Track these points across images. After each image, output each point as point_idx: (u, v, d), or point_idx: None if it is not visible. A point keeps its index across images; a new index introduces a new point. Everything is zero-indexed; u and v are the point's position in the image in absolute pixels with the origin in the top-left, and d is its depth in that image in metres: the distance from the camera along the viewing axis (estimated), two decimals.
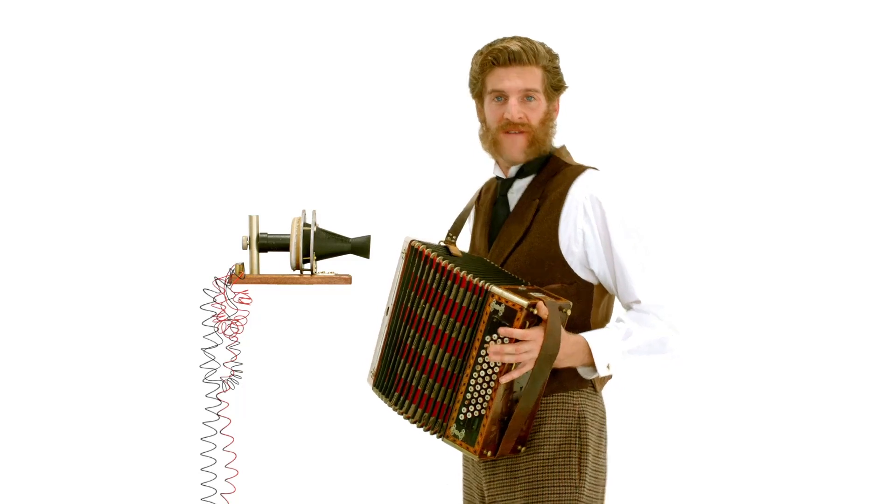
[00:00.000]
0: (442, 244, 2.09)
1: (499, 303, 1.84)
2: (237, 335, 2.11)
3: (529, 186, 2.07)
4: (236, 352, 2.12)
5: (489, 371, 1.86)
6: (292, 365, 3.91)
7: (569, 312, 1.89)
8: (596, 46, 3.94)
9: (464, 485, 2.20)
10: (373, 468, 3.88)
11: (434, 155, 3.95)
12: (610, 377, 2.08)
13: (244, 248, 2.09)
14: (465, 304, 1.90)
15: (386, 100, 3.98)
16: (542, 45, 2.05)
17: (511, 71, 2.01)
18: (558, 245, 1.98)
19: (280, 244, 2.10)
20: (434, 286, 1.95)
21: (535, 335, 1.83)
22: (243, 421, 2.34)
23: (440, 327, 1.93)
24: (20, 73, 3.91)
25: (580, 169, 2.04)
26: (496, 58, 2.02)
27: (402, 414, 2.01)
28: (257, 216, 2.10)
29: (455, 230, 2.14)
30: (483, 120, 2.11)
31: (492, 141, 2.06)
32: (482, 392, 1.87)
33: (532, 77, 2.01)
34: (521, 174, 2.08)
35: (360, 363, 3.76)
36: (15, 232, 3.90)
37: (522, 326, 1.82)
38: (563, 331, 1.86)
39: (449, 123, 3.91)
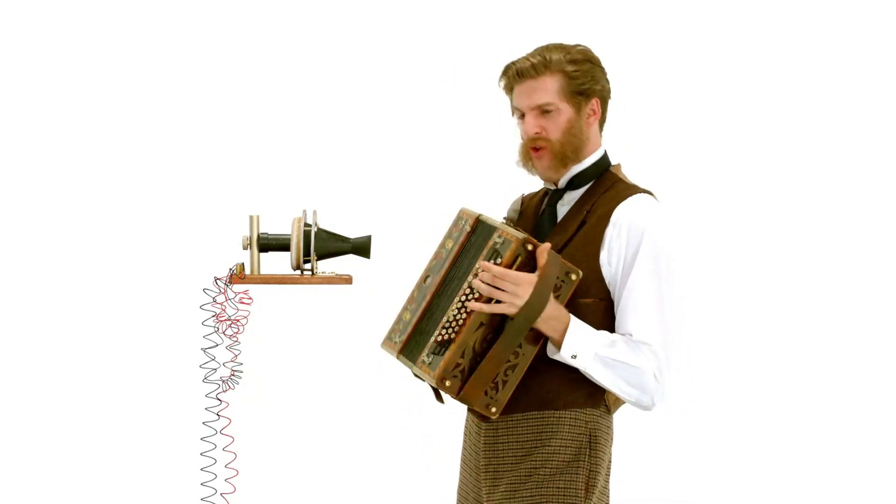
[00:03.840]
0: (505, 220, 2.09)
1: (500, 236, 1.86)
2: (237, 335, 2.11)
3: (580, 199, 2.02)
4: (236, 352, 2.12)
5: (471, 297, 1.85)
6: (292, 365, 3.90)
7: (574, 279, 1.85)
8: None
9: (459, 494, 2.13)
10: (372, 468, 3.88)
11: (434, 155, 3.95)
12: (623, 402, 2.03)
13: (244, 248, 2.09)
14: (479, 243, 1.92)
15: (386, 100, 3.98)
16: (564, 49, 1.99)
17: (522, 87, 1.98)
18: (598, 260, 1.93)
19: (280, 244, 2.10)
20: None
21: (524, 278, 1.81)
22: (243, 421, 2.34)
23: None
24: (20, 74, 3.91)
25: (633, 190, 1.99)
26: (509, 78, 2.01)
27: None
28: (257, 216, 2.10)
29: (511, 220, 2.11)
30: None
31: (524, 157, 2.03)
32: (459, 317, 1.85)
33: (543, 89, 1.96)
34: (571, 186, 2.04)
35: (361, 363, 3.80)
36: (15, 233, 3.89)
37: (514, 261, 1.82)
38: (552, 294, 1.82)
39: (449, 123, 3.93)
